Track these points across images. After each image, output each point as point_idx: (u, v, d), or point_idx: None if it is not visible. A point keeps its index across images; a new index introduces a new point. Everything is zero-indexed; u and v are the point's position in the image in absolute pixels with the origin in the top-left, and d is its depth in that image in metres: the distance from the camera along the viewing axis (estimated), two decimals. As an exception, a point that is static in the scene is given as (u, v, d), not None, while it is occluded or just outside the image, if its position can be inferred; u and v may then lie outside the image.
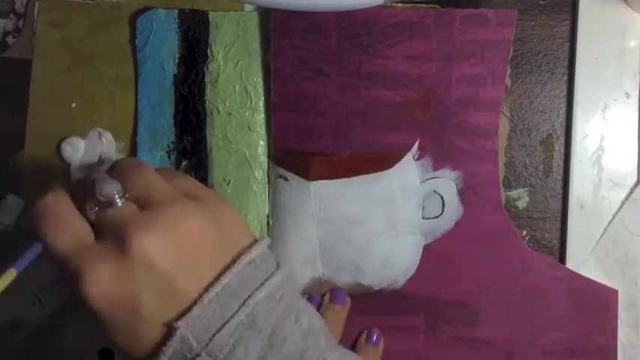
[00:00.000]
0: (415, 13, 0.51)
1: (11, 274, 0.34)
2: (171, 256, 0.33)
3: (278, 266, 0.37)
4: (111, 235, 0.33)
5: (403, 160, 0.51)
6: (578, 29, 0.52)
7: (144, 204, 0.35)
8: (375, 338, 0.52)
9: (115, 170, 0.37)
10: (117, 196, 0.34)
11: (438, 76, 0.51)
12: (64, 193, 0.36)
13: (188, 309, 0.33)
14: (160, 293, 0.33)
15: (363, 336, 0.52)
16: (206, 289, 0.33)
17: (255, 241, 0.37)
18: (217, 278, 0.34)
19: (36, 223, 0.35)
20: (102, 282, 0.32)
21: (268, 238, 0.38)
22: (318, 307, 0.52)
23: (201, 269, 0.34)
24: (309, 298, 0.52)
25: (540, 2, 0.53)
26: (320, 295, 0.52)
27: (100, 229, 0.34)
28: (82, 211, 0.35)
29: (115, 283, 0.32)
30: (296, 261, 0.52)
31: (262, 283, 0.35)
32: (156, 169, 0.37)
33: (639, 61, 0.52)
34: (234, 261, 0.35)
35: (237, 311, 0.33)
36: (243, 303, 0.34)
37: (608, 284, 0.51)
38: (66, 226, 0.34)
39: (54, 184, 0.37)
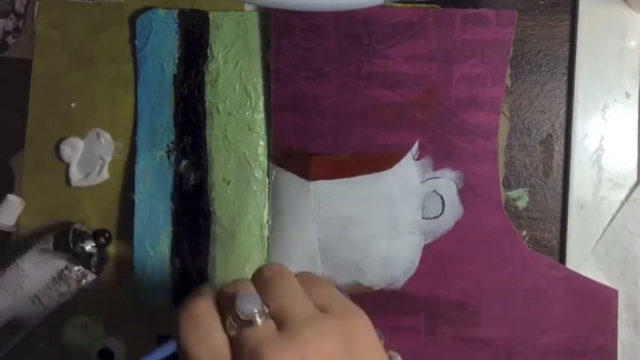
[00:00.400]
0: (415, 13, 0.51)
1: None
2: None
3: None
4: (246, 354, 0.33)
5: (403, 160, 0.51)
6: (578, 29, 0.52)
7: (280, 320, 0.34)
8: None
9: (258, 277, 0.36)
10: (257, 315, 0.34)
11: (438, 76, 0.51)
12: (212, 302, 0.35)
13: None
14: None
15: None
16: None
17: None
18: None
19: (179, 325, 0.34)
20: None
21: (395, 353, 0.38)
22: None
23: None
24: None
25: (540, 2, 0.53)
26: None
27: (236, 348, 0.34)
28: (224, 322, 0.35)
29: None
30: (296, 261, 0.52)
31: None
32: (297, 275, 0.37)
33: (639, 61, 0.52)
34: None
35: None
36: None
37: (608, 284, 0.51)
38: (207, 340, 0.34)
39: (204, 289, 0.36)
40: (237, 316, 0.34)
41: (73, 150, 0.54)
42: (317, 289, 0.37)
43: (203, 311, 0.35)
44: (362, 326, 0.36)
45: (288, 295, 0.35)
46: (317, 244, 0.51)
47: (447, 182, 0.51)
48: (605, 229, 0.52)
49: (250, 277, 0.37)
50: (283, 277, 0.36)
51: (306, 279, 0.37)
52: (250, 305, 0.34)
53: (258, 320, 0.34)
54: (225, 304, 0.35)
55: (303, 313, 0.35)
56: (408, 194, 0.51)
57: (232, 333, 0.34)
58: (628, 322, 0.51)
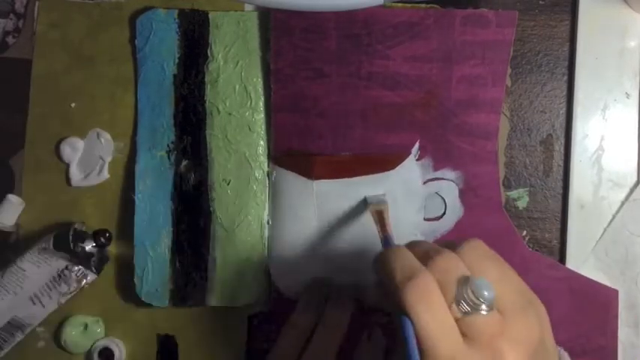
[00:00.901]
0: (415, 13, 0.51)
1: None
2: None
3: None
4: (481, 342, 0.33)
5: (405, 161, 0.51)
6: (578, 29, 0.52)
7: (500, 310, 0.34)
8: (377, 336, 0.52)
9: (467, 255, 0.36)
10: (487, 303, 0.33)
11: (438, 76, 0.51)
12: (432, 277, 0.34)
13: None
14: None
15: (365, 335, 0.52)
16: None
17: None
18: None
19: (407, 301, 0.33)
20: None
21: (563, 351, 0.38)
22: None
23: None
24: None
25: (540, 2, 0.53)
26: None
27: (466, 331, 0.33)
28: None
29: None
30: (296, 261, 0.52)
31: None
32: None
33: (639, 61, 0.52)
34: None
35: None
36: None
37: (608, 284, 0.51)
38: (440, 320, 0.33)
39: (422, 269, 0.35)
40: (465, 302, 0.33)
41: (73, 150, 0.54)
42: (515, 279, 0.37)
43: (431, 289, 0.34)
44: (545, 311, 0.37)
45: (503, 283, 0.35)
46: (318, 244, 0.51)
47: (449, 184, 0.51)
48: (605, 229, 0.52)
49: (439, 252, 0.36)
50: (490, 257, 0.36)
51: (497, 260, 0.37)
52: (488, 290, 0.33)
53: (486, 307, 0.33)
54: (449, 284, 0.34)
55: (517, 303, 0.35)
56: (409, 195, 0.51)
57: (459, 314, 0.34)
58: (628, 322, 0.51)
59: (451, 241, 0.38)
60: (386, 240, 0.43)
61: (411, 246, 0.38)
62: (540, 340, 0.34)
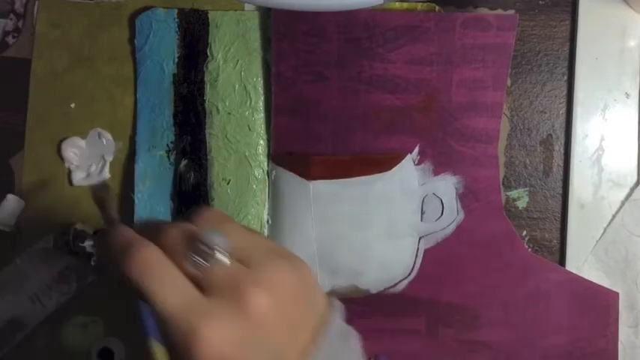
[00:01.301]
0: (416, 16, 0.51)
1: (156, 345, 0.32)
2: (282, 321, 0.32)
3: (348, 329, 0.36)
4: (224, 291, 0.32)
5: (402, 162, 0.51)
6: (578, 29, 0.52)
7: (241, 261, 0.33)
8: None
9: (202, 221, 0.35)
10: (222, 251, 0.32)
11: (438, 80, 0.51)
12: (154, 246, 0.33)
13: None
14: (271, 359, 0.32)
15: None
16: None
17: (330, 301, 0.36)
18: (313, 345, 0.33)
19: (136, 281, 0.32)
20: (220, 341, 0.30)
21: (337, 302, 0.38)
22: None
23: (300, 336, 0.33)
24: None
25: (540, 2, 0.53)
26: None
27: (207, 286, 0.32)
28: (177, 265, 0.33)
29: (232, 344, 0.31)
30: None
31: (351, 348, 0.35)
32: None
33: (639, 61, 0.52)
34: (323, 324, 0.34)
35: None
36: None
37: (608, 284, 0.51)
38: (171, 283, 0.32)
39: (138, 239, 0.34)
40: (198, 254, 0.32)
41: (75, 150, 0.54)
42: (257, 236, 0.36)
43: (152, 256, 0.33)
44: (307, 268, 0.36)
45: (243, 236, 0.35)
46: (315, 244, 0.51)
47: (446, 184, 0.51)
48: (605, 229, 0.52)
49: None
50: (231, 220, 0.35)
51: (238, 223, 0.36)
52: (218, 239, 0.32)
53: (224, 257, 0.32)
54: (180, 246, 0.33)
55: (263, 253, 0.34)
56: (406, 196, 0.51)
57: (193, 271, 0.32)
58: (628, 322, 0.51)
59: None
60: (108, 223, 0.43)
61: (143, 225, 0.37)
62: (297, 287, 0.33)
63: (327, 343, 0.33)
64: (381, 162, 0.51)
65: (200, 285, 0.32)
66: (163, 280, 0.32)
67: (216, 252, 0.32)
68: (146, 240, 0.34)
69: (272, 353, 0.32)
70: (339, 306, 0.36)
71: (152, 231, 0.34)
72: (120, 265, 0.33)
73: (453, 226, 0.51)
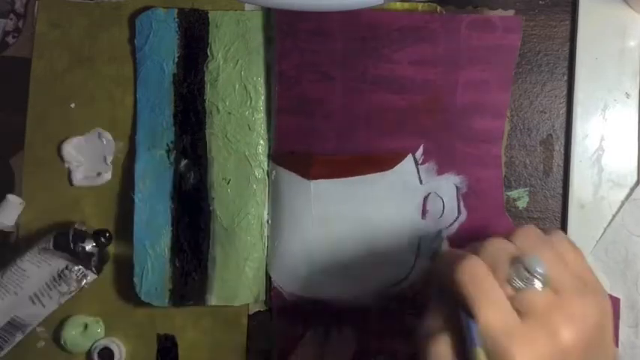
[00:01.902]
0: (421, 17, 0.51)
1: (480, 353, 0.33)
2: (582, 355, 0.33)
3: None
4: (538, 317, 0.33)
5: (403, 161, 0.51)
6: (578, 29, 0.52)
7: (555, 289, 0.34)
8: (347, 335, 0.52)
9: (521, 239, 0.36)
10: (542, 278, 0.34)
11: (443, 81, 0.51)
12: (482, 262, 0.35)
13: None
14: None
15: (335, 332, 0.52)
16: None
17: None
18: None
19: (463, 288, 0.34)
20: None
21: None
22: (325, 341, 0.52)
23: None
24: (316, 331, 0.52)
25: (540, 2, 0.53)
26: (328, 328, 0.53)
27: (520, 307, 0.34)
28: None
29: None
30: (294, 260, 0.52)
31: None
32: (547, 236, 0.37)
33: (639, 61, 0.52)
34: None
35: None
36: None
37: (608, 284, 0.51)
38: (494, 300, 0.34)
39: (469, 254, 0.36)
40: (517, 277, 0.34)
41: (75, 150, 0.54)
42: (570, 255, 0.37)
43: (481, 271, 0.35)
44: (610, 306, 0.37)
45: (557, 263, 0.35)
46: (315, 244, 0.51)
47: (447, 184, 0.51)
48: (605, 229, 0.52)
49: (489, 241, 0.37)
50: (547, 244, 0.36)
51: (555, 242, 0.37)
52: (541, 266, 0.34)
53: (539, 283, 0.34)
54: (500, 264, 0.35)
55: (574, 284, 0.35)
56: (407, 195, 0.51)
57: (510, 293, 0.34)
58: (628, 322, 0.51)
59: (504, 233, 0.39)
60: None
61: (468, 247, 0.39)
62: (598, 326, 0.34)
63: None
64: (382, 161, 0.51)
65: (514, 306, 0.34)
66: (488, 294, 0.34)
67: (535, 278, 0.34)
68: (470, 254, 0.36)
69: None
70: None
71: (471, 247, 0.37)
72: (448, 273, 0.35)
73: (455, 226, 0.51)
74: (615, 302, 0.51)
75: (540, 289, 0.34)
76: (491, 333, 0.33)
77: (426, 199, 0.51)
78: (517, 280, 0.34)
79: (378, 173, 0.51)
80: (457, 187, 0.51)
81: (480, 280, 0.34)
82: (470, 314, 0.34)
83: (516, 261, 0.34)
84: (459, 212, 0.51)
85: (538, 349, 0.32)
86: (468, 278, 0.34)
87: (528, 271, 0.34)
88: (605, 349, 0.35)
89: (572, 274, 0.36)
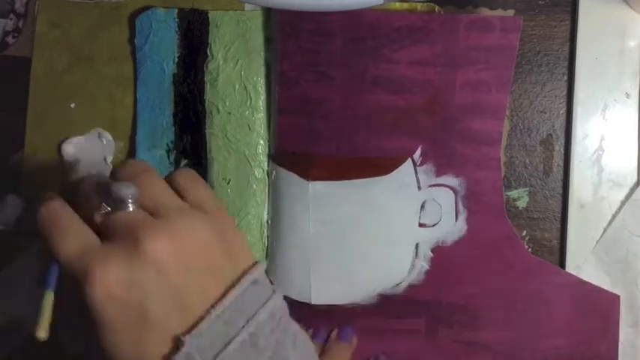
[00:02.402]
0: (420, 17, 0.51)
1: (49, 296, 0.33)
2: (182, 266, 0.33)
3: (274, 288, 0.36)
4: (122, 236, 0.33)
5: (402, 166, 0.51)
6: (578, 29, 0.52)
7: (153, 211, 0.34)
8: (346, 334, 0.52)
9: (122, 173, 0.36)
10: (130, 200, 0.34)
11: (442, 81, 0.51)
12: (60, 199, 0.35)
13: (195, 324, 0.32)
14: (168, 303, 0.32)
15: (334, 333, 0.52)
16: (213, 305, 0.33)
17: (256, 261, 0.37)
18: (224, 295, 0.33)
19: (41, 234, 0.34)
20: (111, 283, 0.31)
21: (265, 262, 0.38)
22: (325, 341, 0.52)
23: (208, 284, 0.34)
24: (316, 332, 0.52)
25: (540, 2, 0.53)
26: (327, 329, 0.52)
27: (107, 232, 0.34)
28: (83, 216, 0.34)
29: (124, 286, 0.31)
30: (291, 261, 0.52)
31: (264, 304, 0.34)
32: (166, 178, 0.37)
33: (639, 61, 0.52)
34: (238, 279, 0.34)
35: (241, 330, 0.33)
36: (247, 322, 0.33)
37: (609, 284, 0.51)
38: (69, 230, 0.33)
39: (48, 193, 0.36)
40: (108, 202, 0.34)
41: (75, 150, 0.54)
42: (188, 187, 0.37)
43: (54, 208, 0.34)
44: (232, 226, 0.37)
45: (159, 188, 0.36)
46: (312, 245, 0.51)
47: (446, 191, 0.51)
48: (605, 229, 0.52)
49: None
50: (150, 173, 0.36)
51: (183, 176, 0.37)
52: (126, 189, 0.34)
53: (131, 206, 0.34)
54: (89, 195, 0.35)
55: (177, 206, 0.35)
56: (405, 201, 0.51)
57: (100, 219, 0.34)
58: (628, 322, 0.51)
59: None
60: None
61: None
62: (211, 241, 0.34)
63: (237, 297, 0.34)
64: (381, 165, 0.51)
65: (100, 230, 0.34)
66: (64, 230, 0.33)
67: (122, 201, 0.33)
68: (54, 195, 0.35)
69: (170, 295, 0.32)
70: (261, 267, 0.36)
71: (76, 184, 0.36)
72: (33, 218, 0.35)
73: (452, 233, 0.51)
74: (615, 300, 0.51)
75: (131, 210, 0.34)
76: (71, 260, 0.32)
77: (423, 205, 0.51)
78: (105, 206, 0.34)
79: (376, 177, 0.51)
80: (455, 193, 0.51)
81: (56, 219, 0.34)
82: (54, 258, 0.34)
83: (104, 188, 0.34)
84: (457, 217, 0.51)
85: (118, 265, 0.32)
86: (46, 219, 0.34)
87: (114, 194, 0.33)
88: (232, 262, 0.35)
89: (177, 199, 0.36)
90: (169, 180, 0.37)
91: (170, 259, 0.32)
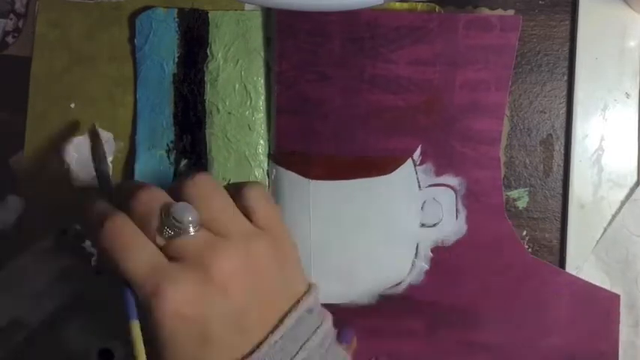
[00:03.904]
0: (418, 17, 0.51)
1: (136, 327, 0.33)
2: (245, 290, 0.33)
3: (324, 314, 0.37)
4: (190, 258, 0.33)
5: (403, 165, 0.51)
6: (578, 29, 0.52)
7: (216, 232, 0.35)
8: (347, 336, 0.52)
9: (187, 189, 0.36)
10: (192, 223, 0.34)
11: (441, 81, 0.51)
12: (124, 216, 0.35)
13: (254, 348, 0.33)
14: (231, 325, 0.33)
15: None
16: (272, 331, 0.34)
17: (310, 285, 0.38)
18: (281, 320, 0.34)
19: (106, 251, 0.34)
20: (181, 301, 0.32)
21: (318, 287, 0.38)
22: None
23: (268, 309, 0.34)
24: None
25: (540, 2, 0.53)
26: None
27: (174, 253, 0.34)
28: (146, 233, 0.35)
29: (192, 305, 0.32)
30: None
31: (315, 330, 0.35)
32: (226, 187, 0.37)
33: (639, 61, 0.52)
34: (294, 305, 0.36)
35: (294, 356, 0.34)
36: (300, 348, 0.34)
37: (609, 284, 0.51)
38: (138, 248, 0.34)
39: (111, 211, 0.35)
40: (167, 226, 0.34)
41: (75, 149, 0.54)
42: (260, 204, 0.38)
43: (121, 225, 0.34)
44: (292, 247, 0.39)
45: (223, 207, 0.36)
46: (311, 245, 0.51)
47: (447, 190, 0.51)
48: (605, 229, 0.52)
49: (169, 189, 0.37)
50: (217, 190, 0.37)
51: (253, 193, 0.38)
52: (189, 214, 0.34)
53: (192, 229, 0.34)
54: (152, 216, 0.35)
55: (243, 228, 0.36)
56: (406, 201, 0.51)
57: (162, 241, 0.34)
58: (628, 322, 0.51)
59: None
60: (98, 175, 0.45)
61: (117, 188, 0.39)
62: (272, 264, 0.35)
63: (293, 324, 0.35)
64: (382, 165, 0.51)
65: (167, 254, 0.34)
66: (133, 248, 0.34)
67: (184, 224, 0.34)
68: (118, 210, 0.35)
69: (232, 317, 0.33)
70: (316, 292, 0.37)
71: (127, 194, 0.36)
72: (95, 240, 0.35)
73: (453, 233, 0.51)
74: (615, 300, 0.51)
75: (193, 233, 0.34)
76: (138, 277, 0.33)
77: (424, 204, 0.51)
78: (168, 229, 0.34)
79: (377, 177, 0.51)
80: (456, 192, 0.51)
81: (123, 237, 0.34)
82: (125, 283, 0.33)
83: (165, 210, 0.34)
84: (458, 217, 0.51)
85: (187, 284, 0.32)
86: (111, 239, 0.34)
87: (175, 219, 0.33)
88: (289, 287, 0.36)
89: (242, 219, 0.36)
90: (238, 194, 0.37)
91: (235, 282, 0.33)
